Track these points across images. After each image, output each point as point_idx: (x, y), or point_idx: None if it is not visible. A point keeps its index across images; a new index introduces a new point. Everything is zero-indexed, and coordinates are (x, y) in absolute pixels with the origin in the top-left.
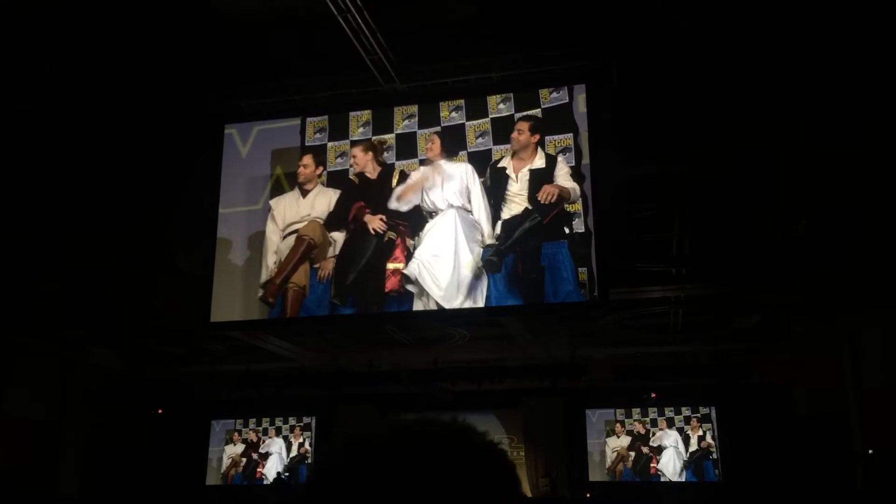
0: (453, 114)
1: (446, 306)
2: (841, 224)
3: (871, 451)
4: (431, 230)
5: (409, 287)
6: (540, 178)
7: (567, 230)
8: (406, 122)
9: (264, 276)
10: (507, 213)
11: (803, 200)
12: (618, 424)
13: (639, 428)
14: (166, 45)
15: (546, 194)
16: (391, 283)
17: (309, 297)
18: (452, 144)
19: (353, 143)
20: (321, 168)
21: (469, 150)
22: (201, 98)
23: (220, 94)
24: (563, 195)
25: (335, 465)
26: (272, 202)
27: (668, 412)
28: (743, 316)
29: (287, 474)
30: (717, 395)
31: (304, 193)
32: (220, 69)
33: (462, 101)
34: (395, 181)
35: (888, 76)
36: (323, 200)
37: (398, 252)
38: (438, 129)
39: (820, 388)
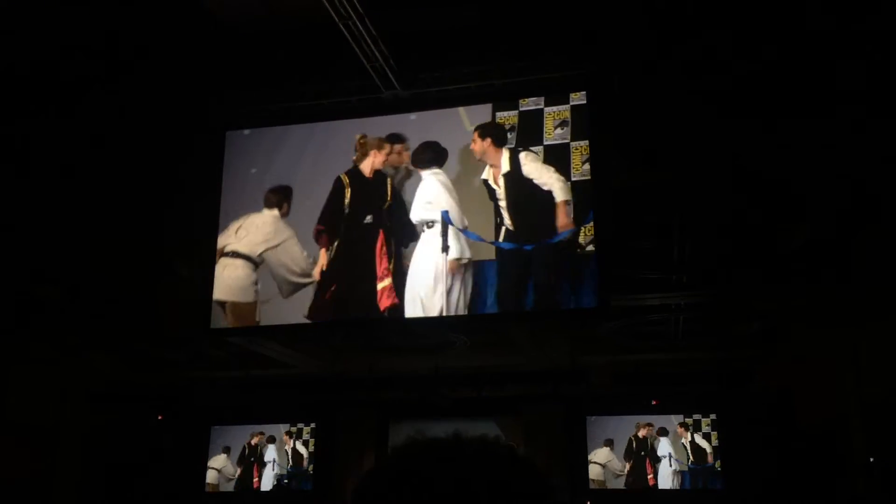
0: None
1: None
2: (842, 229)
3: (871, 459)
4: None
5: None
6: (513, 180)
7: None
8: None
9: None
10: (507, 223)
11: (804, 205)
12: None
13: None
14: (166, 52)
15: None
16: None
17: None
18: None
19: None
20: None
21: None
22: (202, 104)
23: (220, 101)
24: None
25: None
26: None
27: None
28: (744, 322)
29: (286, 480)
30: (719, 402)
31: None
32: (221, 76)
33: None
34: (388, 188)
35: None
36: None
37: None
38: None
39: (821, 395)
